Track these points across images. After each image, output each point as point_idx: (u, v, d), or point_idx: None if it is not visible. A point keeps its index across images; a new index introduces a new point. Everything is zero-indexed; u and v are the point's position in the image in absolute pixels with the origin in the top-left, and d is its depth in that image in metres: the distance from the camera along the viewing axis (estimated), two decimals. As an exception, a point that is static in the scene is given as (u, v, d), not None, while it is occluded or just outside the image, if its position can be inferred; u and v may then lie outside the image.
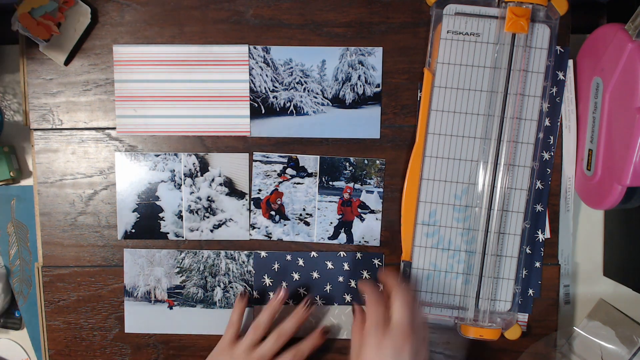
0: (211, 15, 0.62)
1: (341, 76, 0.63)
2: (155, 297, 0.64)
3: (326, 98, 0.63)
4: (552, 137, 0.63)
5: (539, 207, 0.63)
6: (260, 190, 0.63)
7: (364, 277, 0.64)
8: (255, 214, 0.64)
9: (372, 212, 0.64)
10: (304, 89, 0.63)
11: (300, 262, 0.64)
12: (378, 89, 0.63)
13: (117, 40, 0.63)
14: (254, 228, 0.64)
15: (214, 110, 0.63)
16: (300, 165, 0.63)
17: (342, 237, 0.64)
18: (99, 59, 0.63)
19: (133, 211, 0.64)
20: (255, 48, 0.62)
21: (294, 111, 0.63)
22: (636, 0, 0.55)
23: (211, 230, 0.64)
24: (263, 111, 0.63)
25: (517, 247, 0.62)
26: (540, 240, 0.64)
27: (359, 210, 0.64)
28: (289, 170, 0.63)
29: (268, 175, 0.63)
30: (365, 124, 0.63)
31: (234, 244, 0.64)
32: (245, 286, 0.64)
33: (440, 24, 0.61)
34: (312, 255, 0.64)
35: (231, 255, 0.64)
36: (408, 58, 0.63)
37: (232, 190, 0.63)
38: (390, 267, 0.64)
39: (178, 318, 0.64)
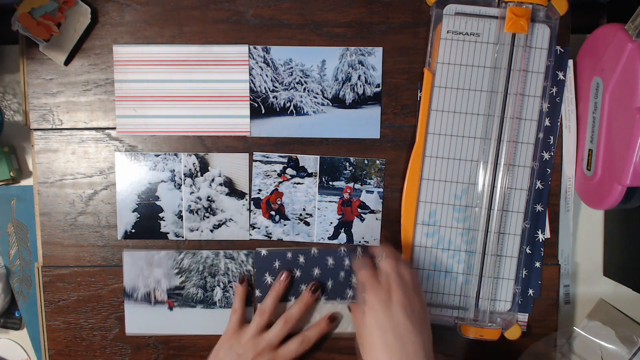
0: (211, 15, 0.62)
1: (341, 76, 0.63)
2: (155, 298, 0.64)
3: (326, 98, 0.63)
4: (552, 137, 0.63)
5: (539, 207, 0.63)
6: (260, 190, 0.63)
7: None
8: (255, 214, 0.64)
9: (372, 212, 0.64)
10: (304, 89, 0.63)
11: (301, 260, 0.64)
12: (378, 89, 0.63)
13: (117, 40, 0.63)
14: (254, 228, 0.64)
15: (214, 110, 0.63)
16: (300, 165, 0.63)
17: (342, 237, 0.64)
18: (99, 59, 0.63)
19: (133, 211, 0.64)
20: (255, 48, 0.62)
21: (294, 111, 0.63)
22: (636, 0, 0.55)
23: (211, 231, 0.64)
24: (263, 111, 0.63)
25: (517, 247, 0.62)
26: (540, 240, 0.64)
27: (359, 210, 0.64)
28: (289, 170, 0.63)
29: (268, 175, 0.63)
30: (365, 124, 0.63)
31: (234, 244, 0.64)
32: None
33: (440, 24, 0.61)
34: (312, 252, 0.64)
35: (230, 254, 0.64)
36: (408, 58, 0.63)
37: (232, 190, 0.63)
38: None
39: (178, 319, 0.64)
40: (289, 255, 0.64)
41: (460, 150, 0.62)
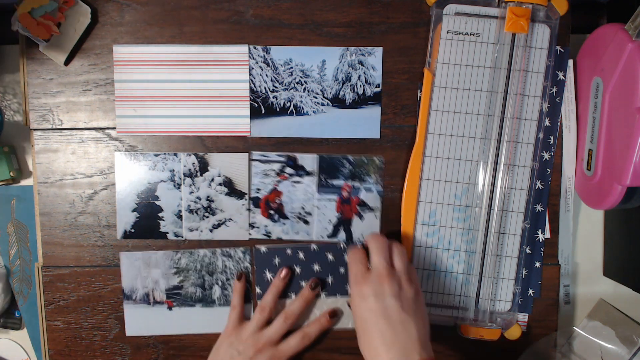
0: (211, 15, 0.62)
1: (341, 76, 0.63)
2: (154, 298, 0.64)
3: (326, 98, 0.63)
4: (552, 137, 0.63)
5: (539, 207, 0.63)
6: (259, 189, 0.63)
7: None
8: (254, 213, 0.64)
9: (371, 210, 0.64)
10: (304, 89, 0.63)
11: (301, 256, 0.64)
12: (378, 89, 0.63)
13: (117, 40, 0.63)
14: (253, 227, 0.64)
15: (214, 110, 0.63)
16: (299, 164, 0.63)
17: (342, 236, 0.64)
18: (99, 59, 0.63)
19: (132, 211, 0.64)
20: (255, 48, 0.62)
21: (294, 111, 0.63)
22: (636, 0, 0.55)
23: (210, 230, 0.64)
24: (263, 111, 0.63)
25: (517, 247, 0.62)
26: (540, 240, 0.64)
27: (358, 208, 0.64)
28: (288, 169, 0.63)
29: (267, 175, 0.63)
30: (365, 124, 0.63)
31: (233, 244, 0.64)
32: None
33: (440, 24, 0.61)
34: (312, 248, 0.64)
35: (227, 252, 0.64)
36: (408, 58, 0.63)
37: (232, 190, 0.63)
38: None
39: (178, 318, 0.64)
40: (289, 251, 0.64)
41: (460, 150, 0.62)
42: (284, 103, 0.63)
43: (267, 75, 0.63)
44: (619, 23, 0.57)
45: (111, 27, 0.63)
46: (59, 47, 0.61)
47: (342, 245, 0.64)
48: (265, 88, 0.63)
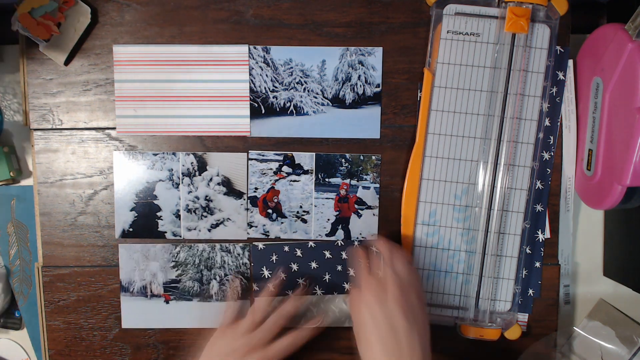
0: (211, 15, 0.62)
1: (341, 76, 0.63)
2: (151, 291, 0.64)
3: (326, 98, 0.63)
4: (552, 137, 0.63)
5: (539, 207, 0.63)
6: (256, 188, 0.63)
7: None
8: (252, 212, 0.64)
9: (369, 207, 0.64)
10: (304, 89, 0.63)
11: (299, 253, 0.64)
12: (378, 89, 0.63)
13: (117, 40, 0.63)
14: (251, 227, 0.64)
15: (214, 110, 0.63)
16: (296, 162, 0.63)
17: (340, 234, 0.64)
18: (99, 59, 0.63)
19: (131, 210, 0.64)
20: (255, 48, 0.62)
21: (294, 111, 0.63)
22: (636, 0, 0.55)
23: (209, 230, 0.64)
24: (263, 111, 0.63)
25: (517, 247, 0.62)
26: (540, 240, 0.64)
27: (356, 206, 0.64)
28: (285, 168, 0.63)
29: (264, 174, 0.63)
30: (365, 124, 0.63)
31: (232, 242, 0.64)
32: (240, 278, 0.64)
33: (440, 24, 0.61)
34: (310, 246, 0.64)
35: (226, 248, 0.64)
36: (408, 58, 0.63)
37: (230, 189, 0.63)
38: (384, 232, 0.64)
39: (175, 312, 0.64)
40: (286, 248, 0.64)
41: (460, 150, 0.62)
42: (284, 103, 0.63)
43: (267, 75, 0.63)
44: (619, 23, 0.57)
45: (111, 27, 0.63)
46: (59, 47, 0.61)
47: (339, 243, 0.64)
48: (265, 88, 0.63)
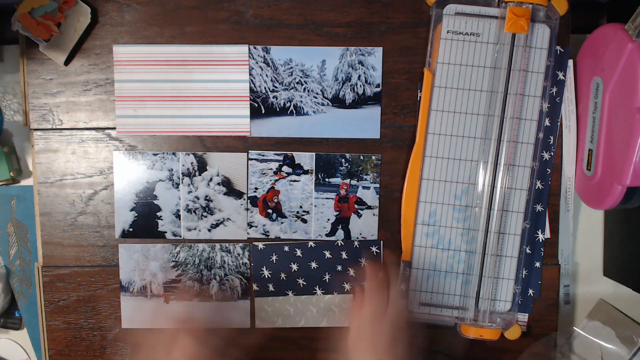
0: (211, 15, 0.62)
1: (341, 76, 0.63)
2: (151, 291, 0.64)
3: (326, 98, 0.63)
4: (552, 137, 0.63)
5: (539, 207, 0.63)
6: (256, 188, 0.63)
7: (364, 262, 0.64)
8: (252, 212, 0.64)
9: (369, 207, 0.64)
10: (304, 89, 0.63)
11: (299, 253, 0.64)
12: (378, 89, 0.63)
13: (117, 40, 0.63)
14: (251, 227, 0.64)
15: (214, 110, 0.63)
16: (296, 162, 0.63)
17: (340, 234, 0.64)
18: (99, 59, 0.63)
19: (131, 210, 0.64)
20: (255, 48, 0.62)
21: (294, 111, 0.63)
22: (636, 0, 0.55)
23: (209, 230, 0.64)
24: (263, 111, 0.63)
25: (517, 247, 0.62)
26: (540, 240, 0.64)
27: (356, 206, 0.64)
28: (285, 168, 0.63)
29: (264, 174, 0.63)
30: (365, 124, 0.63)
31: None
32: (240, 278, 0.64)
33: (440, 24, 0.61)
34: (310, 246, 0.64)
35: (226, 248, 0.64)
36: (408, 58, 0.63)
37: (230, 189, 0.63)
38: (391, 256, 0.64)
39: (175, 312, 0.64)
40: (286, 248, 0.64)
41: (460, 150, 0.62)
42: (284, 103, 0.63)
43: (267, 75, 0.63)
44: (619, 23, 0.57)
45: (111, 27, 0.63)
46: (59, 47, 0.61)
47: (339, 243, 0.64)
48: (265, 88, 0.63)
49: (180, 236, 0.64)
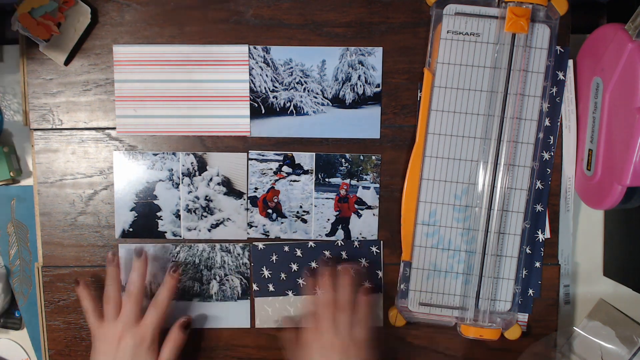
0: (211, 15, 0.62)
1: (341, 76, 0.63)
2: (151, 292, 0.64)
3: (326, 98, 0.63)
4: (552, 137, 0.63)
5: (539, 207, 0.63)
6: (256, 188, 0.63)
7: (362, 264, 0.64)
8: (252, 212, 0.64)
9: (369, 207, 0.64)
10: (304, 89, 0.63)
11: (299, 253, 0.64)
12: (378, 89, 0.63)
13: (117, 40, 0.63)
14: (251, 227, 0.64)
15: (214, 110, 0.63)
16: (296, 162, 0.63)
17: (340, 234, 0.64)
18: (99, 59, 0.63)
19: (131, 210, 0.64)
20: (255, 48, 0.62)
21: (294, 111, 0.63)
22: (636, 0, 0.55)
23: (209, 230, 0.64)
24: (263, 111, 0.63)
25: (517, 247, 0.62)
26: (540, 240, 0.64)
27: (356, 206, 0.64)
28: (285, 168, 0.63)
29: (264, 174, 0.63)
30: (365, 124, 0.63)
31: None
32: (240, 278, 0.64)
33: (440, 24, 0.61)
34: (310, 246, 0.64)
35: (226, 248, 0.64)
36: (408, 58, 0.63)
37: (230, 189, 0.63)
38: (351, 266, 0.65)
39: (174, 312, 0.64)
40: (286, 248, 0.64)
41: (460, 150, 0.62)
42: (284, 103, 0.63)
43: (267, 75, 0.63)
44: (619, 23, 0.57)
45: (111, 27, 0.63)
46: (59, 47, 0.61)
47: (339, 243, 0.64)
48: (265, 88, 0.63)
49: (180, 236, 0.64)
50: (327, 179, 0.63)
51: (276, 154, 0.63)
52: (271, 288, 0.64)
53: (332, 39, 0.62)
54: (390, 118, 0.63)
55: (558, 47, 0.62)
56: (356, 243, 0.64)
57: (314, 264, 0.64)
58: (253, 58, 0.62)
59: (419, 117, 0.62)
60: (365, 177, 0.63)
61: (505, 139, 0.60)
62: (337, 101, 0.63)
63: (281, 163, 0.63)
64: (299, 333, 0.61)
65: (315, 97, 0.63)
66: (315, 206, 0.64)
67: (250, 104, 0.63)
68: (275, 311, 0.64)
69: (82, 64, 0.63)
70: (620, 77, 0.56)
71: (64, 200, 0.64)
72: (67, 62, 0.63)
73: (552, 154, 0.63)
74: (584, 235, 0.67)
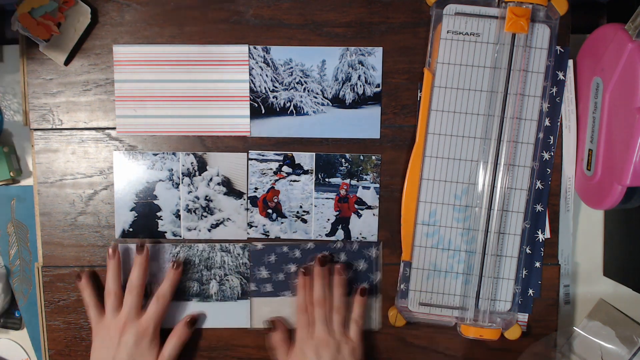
0: (211, 15, 0.62)
1: (341, 76, 0.63)
2: (151, 291, 0.64)
3: (326, 98, 0.63)
4: (552, 137, 0.63)
5: (539, 207, 0.63)
6: (256, 188, 0.63)
7: (360, 268, 0.64)
8: (252, 212, 0.64)
9: (369, 207, 0.64)
10: (304, 89, 0.63)
11: (297, 254, 0.64)
12: (378, 89, 0.63)
13: (117, 40, 0.63)
14: (251, 227, 0.64)
15: (214, 110, 0.63)
16: (296, 162, 0.63)
17: (340, 234, 0.64)
18: (99, 59, 0.63)
19: (131, 210, 0.64)
20: (255, 48, 0.62)
21: (294, 111, 0.63)
22: (636, 0, 0.55)
23: (209, 230, 0.64)
24: (263, 111, 0.63)
25: (517, 247, 0.62)
26: (540, 240, 0.64)
27: (356, 206, 0.64)
28: (285, 168, 0.63)
29: (264, 174, 0.63)
30: (365, 124, 0.63)
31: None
32: (240, 278, 0.64)
33: (440, 24, 0.61)
34: (308, 247, 0.64)
35: (226, 248, 0.64)
36: (408, 58, 0.63)
37: (230, 189, 0.63)
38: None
39: (174, 312, 0.64)
40: (285, 248, 0.64)
41: (460, 150, 0.62)
42: (284, 103, 0.63)
43: (267, 75, 0.63)
44: (619, 23, 0.57)
45: (111, 27, 0.63)
46: (59, 47, 0.61)
47: (338, 244, 0.64)
48: (265, 88, 0.63)
49: (180, 236, 0.64)
50: (327, 179, 0.63)
51: (276, 154, 0.63)
52: (269, 288, 0.64)
53: (332, 39, 0.62)
54: (390, 118, 0.63)
55: (558, 47, 0.62)
56: (355, 244, 0.64)
57: (303, 266, 0.64)
58: (253, 58, 0.62)
59: (419, 117, 0.62)
60: (365, 177, 0.63)
61: (505, 139, 0.60)
62: (337, 101, 0.63)
63: (281, 163, 0.63)
64: (289, 333, 0.62)
65: (315, 97, 0.63)
66: (315, 206, 0.64)
67: (250, 104, 0.63)
68: (274, 312, 0.64)
69: (82, 64, 0.63)
70: (620, 77, 0.56)
71: (64, 200, 0.64)
72: (67, 62, 0.63)
73: (552, 154, 0.63)
74: (584, 235, 0.67)
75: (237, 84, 0.63)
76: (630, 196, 0.57)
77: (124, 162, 0.63)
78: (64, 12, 0.61)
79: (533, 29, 0.60)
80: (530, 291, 0.64)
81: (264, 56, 0.62)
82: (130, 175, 0.63)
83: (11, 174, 0.65)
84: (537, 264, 0.64)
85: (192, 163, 0.63)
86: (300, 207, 0.64)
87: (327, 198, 0.63)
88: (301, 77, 0.63)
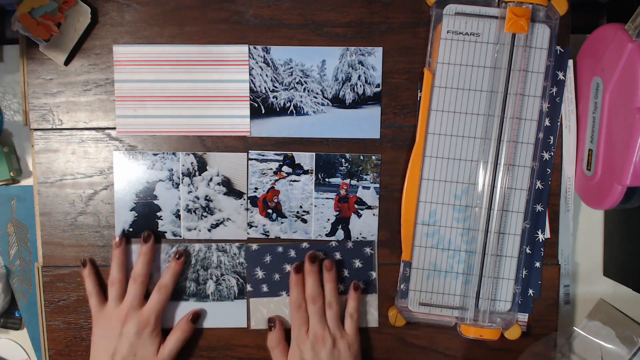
0: (211, 15, 0.62)
1: (341, 76, 0.63)
2: (148, 291, 0.64)
3: (326, 98, 0.63)
4: (552, 137, 0.63)
5: (539, 207, 0.63)
6: (256, 188, 0.63)
7: (355, 265, 0.64)
8: (252, 212, 0.64)
9: (369, 207, 0.64)
10: (304, 89, 0.63)
11: (292, 254, 0.64)
12: (378, 89, 0.63)
13: (117, 40, 0.63)
14: (251, 227, 0.64)
15: (214, 110, 0.63)
16: (296, 162, 0.63)
17: (340, 234, 0.64)
18: (99, 59, 0.63)
19: (131, 210, 0.64)
20: (255, 48, 0.62)
21: (294, 111, 0.63)
22: (636, 0, 0.55)
23: (209, 230, 0.64)
24: (263, 111, 0.63)
25: (517, 247, 0.62)
26: (540, 240, 0.64)
27: (356, 206, 0.64)
28: (285, 168, 0.63)
29: (264, 174, 0.63)
30: (365, 124, 0.63)
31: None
32: (237, 278, 0.64)
33: (440, 24, 0.61)
34: (304, 246, 0.64)
35: (222, 247, 0.64)
36: (408, 58, 0.63)
37: (230, 189, 0.63)
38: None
39: (171, 312, 0.64)
40: (280, 249, 0.64)
41: (460, 150, 0.62)
42: (284, 103, 0.63)
43: (267, 75, 0.63)
44: (619, 23, 0.57)
45: (111, 27, 0.63)
46: (59, 47, 0.61)
47: (333, 244, 0.64)
48: (265, 88, 0.63)
49: (180, 236, 0.64)
50: (327, 179, 0.63)
51: (276, 154, 0.63)
52: (265, 289, 0.64)
53: (332, 39, 0.62)
54: (390, 118, 0.63)
55: (558, 47, 0.62)
56: (350, 244, 0.64)
57: (295, 265, 0.64)
58: (253, 58, 0.62)
59: (419, 117, 0.62)
60: (365, 177, 0.63)
61: (505, 139, 0.60)
62: (337, 101, 0.63)
63: (281, 163, 0.63)
64: (286, 332, 0.63)
65: (315, 97, 0.63)
66: (315, 206, 0.64)
67: (250, 104, 0.63)
68: (271, 312, 0.64)
69: (82, 64, 0.63)
70: (620, 77, 0.56)
71: (64, 200, 0.64)
72: (67, 62, 0.63)
73: (552, 154, 0.63)
74: (584, 235, 0.67)
75: (237, 84, 0.63)
76: (630, 196, 0.57)
77: (124, 162, 0.63)
78: (64, 12, 0.61)
79: (533, 29, 0.60)
80: (530, 291, 0.64)
81: (264, 56, 0.62)
82: (130, 175, 0.63)
83: (11, 174, 0.65)
84: (537, 264, 0.64)
85: (192, 163, 0.63)
86: (300, 207, 0.64)
87: (327, 198, 0.63)
88: (301, 77, 0.63)
